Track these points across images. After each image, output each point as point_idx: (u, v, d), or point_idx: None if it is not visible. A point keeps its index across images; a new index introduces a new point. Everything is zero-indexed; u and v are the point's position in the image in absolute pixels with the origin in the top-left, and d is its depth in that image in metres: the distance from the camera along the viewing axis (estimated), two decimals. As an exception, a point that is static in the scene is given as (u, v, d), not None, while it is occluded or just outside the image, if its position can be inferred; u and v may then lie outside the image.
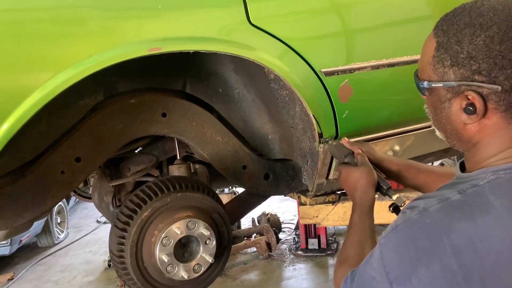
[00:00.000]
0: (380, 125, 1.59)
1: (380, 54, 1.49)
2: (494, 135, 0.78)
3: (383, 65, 1.49)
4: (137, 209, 1.44)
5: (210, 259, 1.46)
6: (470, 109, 0.76)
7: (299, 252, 4.26)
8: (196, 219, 1.45)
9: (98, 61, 1.12)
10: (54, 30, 1.10)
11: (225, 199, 2.60)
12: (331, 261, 4.12)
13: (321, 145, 1.47)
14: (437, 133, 0.91)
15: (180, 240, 1.44)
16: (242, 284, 3.87)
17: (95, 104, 1.52)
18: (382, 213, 1.82)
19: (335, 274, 1.03)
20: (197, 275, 1.46)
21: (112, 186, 1.94)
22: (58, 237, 5.22)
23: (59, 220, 5.35)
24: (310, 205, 1.75)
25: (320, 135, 1.47)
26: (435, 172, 1.24)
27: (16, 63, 1.08)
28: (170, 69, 1.62)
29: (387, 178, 1.20)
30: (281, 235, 4.54)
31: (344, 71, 1.43)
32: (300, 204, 1.81)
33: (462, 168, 0.87)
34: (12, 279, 4.30)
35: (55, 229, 5.13)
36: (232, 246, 1.67)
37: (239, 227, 4.53)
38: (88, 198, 2.52)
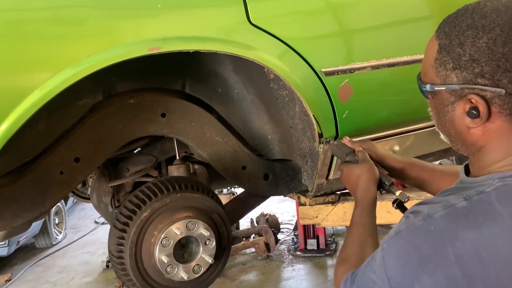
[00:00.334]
0: (380, 125, 1.59)
1: (380, 54, 1.48)
2: (499, 139, 0.76)
3: (383, 65, 1.49)
4: (136, 209, 1.43)
5: (210, 260, 1.45)
6: (473, 112, 0.75)
7: (298, 253, 4.25)
8: (196, 220, 1.45)
9: (97, 61, 1.12)
10: (53, 30, 1.10)
11: (223, 199, 2.59)
12: (330, 261, 4.12)
13: (321, 145, 1.46)
14: (442, 136, 0.90)
15: (179, 240, 1.44)
16: (241, 284, 3.87)
17: (94, 104, 1.51)
18: (382, 213, 1.82)
19: (335, 273, 1.02)
20: (197, 275, 1.45)
21: (111, 186, 1.94)
22: (56, 238, 5.20)
23: (57, 221, 5.33)
24: (309, 205, 1.75)
25: (320, 135, 1.46)
26: (438, 170, 1.23)
27: (14, 63, 1.07)
28: (169, 69, 1.62)
29: (389, 175, 1.20)
30: (279, 236, 4.54)
31: (344, 71, 1.43)
32: (300, 204, 1.81)
33: (467, 171, 0.87)
34: (10, 280, 4.29)
35: (53, 230, 5.12)
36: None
37: (237, 227, 4.52)
38: (87, 198, 2.51)
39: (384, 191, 1.21)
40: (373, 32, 1.50)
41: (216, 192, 1.75)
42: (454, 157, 3.98)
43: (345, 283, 0.90)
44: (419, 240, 0.74)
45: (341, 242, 4.36)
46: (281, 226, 4.68)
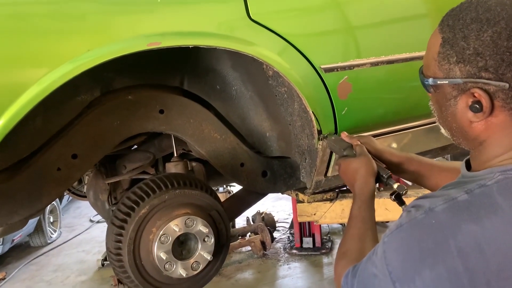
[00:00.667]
0: (379, 122, 1.59)
1: (379, 51, 1.48)
2: (501, 133, 0.77)
3: (382, 62, 1.49)
4: (134, 206, 1.42)
5: (208, 257, 1.44)
6: (476, 107, 0.75)
7: (294, 251, 4.25)
8: (195, 217, 1.44)
9: (96, 56, 1.11)
10: (51, 25, 1.09)
11: (220, 197, 2.59)
12: (326, 260, 4.12)
13: (320, 142, 1.46)
14: (442, 130, 0.90)
15: (178, 237, 1.43)
16: (237, 283, 3.86)
17: (92, 100, 1.50)
18: (380, 210, 1.82)
19: (336, 267, 1.02)
20: (195, 272, 1.44)
21: (108, 184, 1.92)
22: (51, 237, 5.17)
23: (51, 220, 5.30)
24: (308, 202, 1.74)
25: (319, 132, 1.46)
26: (436, 165, 1.23)
27: (11, 58, 1.06)
28: (167, 66, 1.61)
29: (387, 169, 1.20)
30: (275, 234, 4.54)
31: (343, 68, 1.43)
32: (298, 201, 1.81)
33: (468, 166, 0.87)
34: (4, 278, 4.26)
35: (48, 228, 5.09)
36: (227, 244, 1.66)
37: (233, 226, 4.51)
38: (83, 196, 2.49)
39: (382, 189, 1.21)
40: (372, 29, 1.51)
41: (212, 189, 1.74)
42: (449, 155, 4.00)
43: (346, 277, 0.90)
44: (420, 233, 0.74)
45: (337, 241, 4.38)
46: (277, 225, 4.68)
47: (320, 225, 4.21)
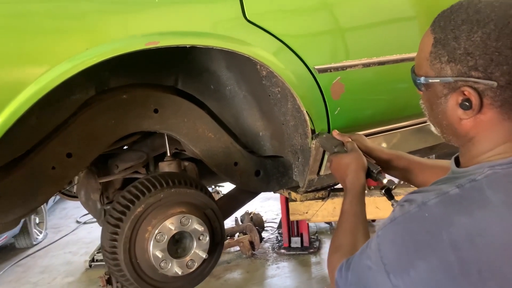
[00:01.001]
0: (370, 122, 1.62)
1: (370, 52, 1.52)
2: (489, 130, 0.80)
3: (373, 63, 1.52)
4: (130, 205, 1.43)
5: (203, 255, 1.46)
6: (466, 104, 0.79)
7: (282, 251, 4.28)
8: (190, 215, 1.45)
9: (94, 55, 1.11)
10: (50, 23, 1.09)
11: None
12: (314, 259, 4.16)
13: (314, 141, 1.49)
14: (432, 128, 0.93)
15: (173, 236, 1.44)
16: (226, 283, 3.87)
17: (87, 99, 1.50)
18: (370, 208, 1.86)
19: (329, 261, 1.05)
20: (190, 270, 1.46)
21: (100, 183, 1.92)
22: (37, 238, 5.11)
23: (37, 221, 5.23)
24: (300, 201, 1.77)
25: (313, 132, 1.49)
26: (424, 163, 1.27)
27: (10, 56, 1.06)
28: (162, 65, 1.62)
29: (377, 164, 1.23)
30: (264, 234, 4.56)
31: (336, 69, 1.45)
32: (290, 200, 1.83)
33: (457, 163, 0.90)
34: (-11, 281, 4.21)
35: (34, 229, 5.03)
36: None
37: (222, 226, 4.51)
38: (72, 196, 2.48)
39: (372, 188, 1.25)
40: (363, 31, 1.54)
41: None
42: (433, 155, 4.07)
43: (340, 270, 0.93)
44: (414, 226, 0.77)
45: (324, 240, 4.42)
46: (265, 225, 4.70)
47: (308, 225, 4.25)
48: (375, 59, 1.52)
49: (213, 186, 4.44)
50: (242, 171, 1.73)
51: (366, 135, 1.61)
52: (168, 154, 1.80)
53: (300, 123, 1.52)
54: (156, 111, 1.56)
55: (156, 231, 1.40)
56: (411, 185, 1.32)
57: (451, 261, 0.71)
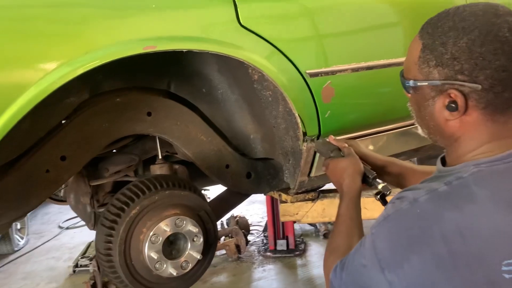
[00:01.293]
0: (359, 125, 1.67)
1: (359, 57, 1.57)
2: (474, 130, 0.84)
3: (362, 68, 1.57)
4: (124, 207, 1.44)
5: (198, 256, 1.48)
6: (452, 106, 0.83)
7: (268, 254, 4.30)
8: (184, 217, 1.47)
9: (93, 59, 1.13)
10: (51, 28, 1.11)
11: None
12: (300, 261, 4.19)
13: (305, 144, 1.53)
14: (419, 130, 0.98)
15: (168, 237, 1.46)
16: (213, 286, 3.87)
17: (81, 102, 1.51)
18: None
19: (325, 263, 1.08)
20: (185, 271, 1.48)
21: (90, 187, 1.92)
22: (18, 244, 5.01)
23: (19, 226, 5.13)
24: (291, 202, 1.80)
25: (304, 134, 1.53)
26: (416, 169, 1.32)
27: (10, 60, 1.07)
28: (155, 69, 1.64)
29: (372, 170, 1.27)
30: (249, 237, 4.57)
31: (327, 73, 1.50)
32: (281, 201, 1.86)
33: (443, 163, 0.95)
34: (-30, 288, 4.12)
35: (15, 235, 4.93)
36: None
37: (207, 230, 4.50)
38: (60, 200, 2.46)
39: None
40: (352, 36, 1.59)
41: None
42: (415, 158, 4.18)
43: (335, 271, 0.96)
44: (407, 222, 0.81)
45: (310, 242, 4.46)
46: (251, 228, 4.71)
47: (293, 228, 4.29)
48: (363, 64, 1.57)
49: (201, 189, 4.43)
50: (234, 173, 1.75)
51: (355, 138, 1.66)
52: (160, 157, 1.82)
53: (291, 126, 1.56)
54: (149, 114, 1.58)
55: (151, 233, 1.42)
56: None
57: (443, 254, 0.75)
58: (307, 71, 1.46)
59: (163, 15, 1.24)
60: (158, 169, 1.79)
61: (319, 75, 1.48)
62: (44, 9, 1.10)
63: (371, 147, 1.80)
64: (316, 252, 4.27)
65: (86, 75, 1.17)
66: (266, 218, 4.70)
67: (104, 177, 1.89)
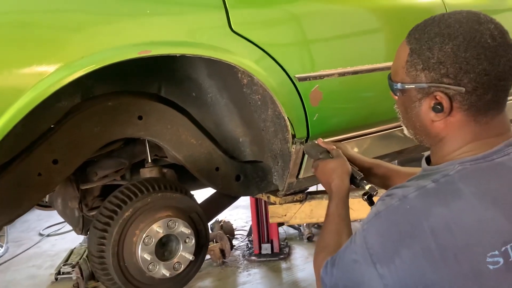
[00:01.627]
0: (346, 127, 1.72)
1: (345, 62, 1.62)
2: (458, 131, 0.89)
3: (348, 72, 1.63)
4: (117, 209, 1.46)
5: (190, 257, 1.50)
6: (438, 107, 0.88)
7: (253, 258, 4.31)
8: (176, 219, 1.49)
9: (90, 63, 1.15)
10: (48, 33, 1.12)
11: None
12: (284, 265, 4.22)
13: (294, 146, 1.57)
14: (406, 131, 1.02)
15: (160, 239, 1.48)
16: (198, 291, 3.87)
17: (72, 106, 1.53)
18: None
19: (315, 260, 1.11)
20: (177, 272, 1.50)
21: (78, 191, 1.92)
22: (-3, 252, 4.92)
23: (-3, 234, 5.05)
24: (279, 204, 1.84)
25: (293, 137, 1.57)
26: (401, 171, 1.37)
27: (7, 64, 1.08)
28: (146, 73, 1.66)
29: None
30: (234, 242, 4.58)
31: (315, 77, 1.55)
32: (269, 203, 1.90)
33: (428, 162, 0.99)
34: None
35: (-6, 243, 4.84)
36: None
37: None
38: (45, 206, 2.44)
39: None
40: (339, 42, 1.65)
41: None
42: (395, 161, 4.28)
43: (325, 267, 0.99)
44: (397, 218, 0.85)
45: (294, 246, 4.50)
46: (235, 233, 4.73)
47: (278, 231, 4.32)
48: (349, 69, 1.63)
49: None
50: (223, 176, 1.78)
51: (342, 140, 1.71)
52: (149, 161, 1.84)
53: (280, 129, 1.60)
54: (140, 118, 1.60)
55: (144, 235, 1.44)
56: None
57: (432, 247, 0.79)
58: (296, 75, 1.50)
59: (157, 21, 1.27)
60: (148, 173, 1.81)
61: (308, 79, 1.53)
62: (41, 14, 1.12)
63: (356, 150, 1.85)
64: (300, 255, 4.31)
65: (78, 79, 1.19)
66: (250, 223, 4.72)
67: (92, 181, 1.89)
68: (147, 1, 1.26)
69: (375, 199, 1.25)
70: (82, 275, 3.87)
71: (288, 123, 1.52)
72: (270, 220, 1.83)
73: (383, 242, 0.85)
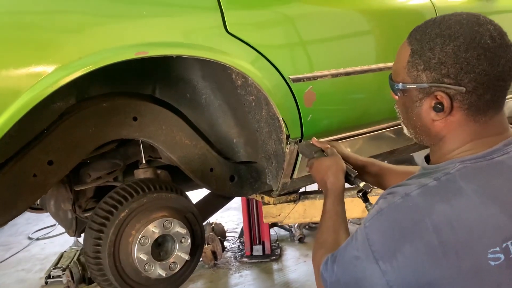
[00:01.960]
0: (339, 128, 1.74)
1: (338, 63, 1.64)
2: (458, 130, 0.91)
3: (341, 74, 1.65)
4: (113, 210, 1.46)
5: (186, 257, 1.51)
6: (438, 107, 0.90)
7: (245, 259, 4.32)
8: (172, 219, 1.50)
9: (87, 63, 1.16)
10: (46, 34, 1.13)
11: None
12: (276, 266, 4.24)
13: (288, 146, 1.59)
14: (405, 130, 1.04)
15: (156, 239, 1.48)
16: (190, 293, 3.87)
17: (67, 107, 1.53)
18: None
19: (314, 256, 1.13)
20: (173, 272, 1.50)
21: (72, 192, 1.92)
22: (-15, 257, 4.85)
23: (-15, 238, 4.98)
24: (273, 204, 1.86)
25: (288, 137, 1.59)
26: (394, 169, 1.39)
27: (5, 65, 1.08)
28: (140, 74, 1.67)
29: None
30: (225, 244, 4.59)
31: (308, 78, 1.57)
32: (263, 204, 1.91)
33: (427, 161, 1.01)
34: None
35: (-18, 248, 4.78)
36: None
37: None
38: (37, 209, 2.43)
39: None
40: (332, 43, 1.67)
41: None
42: (386, 161, 4.32)
43: (326, 264, 1.00)
44: (400, 215, 0.86)
45: (285, 247, 4.51)
46: (227, 234, 4.73)
47: (269, 233, 4.34)
48: (342, 70, 1.65)
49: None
50: (218, 177, 1.79)
51: (334, 141, 1.74)
52: (143, 162, 1.84)
53: (274, 130, 1.62)
54: (135, 119, 1.60)
55: (140, 235, 1.45)
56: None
57: (434, 244, 0.81)
58: (290, 76, 1.52)
59: (154, 22, 1.28)
60: (142, 174, 1.81)
61: (302, 80, 1.55)
62: (39, 15, 1.12)
63: (348, 150, 1.87)
64: (292, 256, 4.33)
65: (73, 80, 1.19)
66: (241, 225, 4.73)
67: (86, 182, 1.89)
68: (143, 3, 1.27)
69: (372, 199, 1.27)
70: (72, 278, 3.84)
71: (282, 123, 1.54)
72: (264, 220, 1.84)
73: (386, 239, 0.86)
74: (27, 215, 5.73)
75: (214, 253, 4.23)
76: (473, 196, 0.83)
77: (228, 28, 1.40)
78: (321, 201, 2.05)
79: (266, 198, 1.86)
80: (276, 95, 1.50)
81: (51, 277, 4.19)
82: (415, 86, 0.92)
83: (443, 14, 0.95)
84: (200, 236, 1.62)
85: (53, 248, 5.02)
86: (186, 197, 1.64)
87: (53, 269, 4.22)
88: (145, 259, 1.43)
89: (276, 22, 1.52)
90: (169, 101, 1.75)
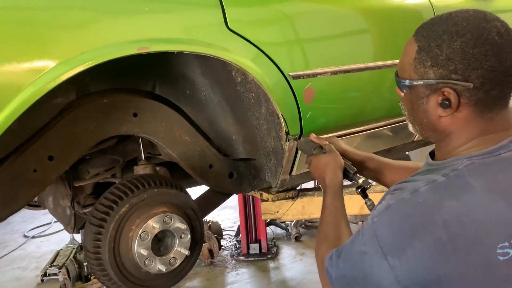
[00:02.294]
0: (337, 125, 1.76)
1: (338, 61, 1.66)
2: (465, 126, 0.92)
3: (340, 71, 1.66)
4: (113, 205, 1.46)
5: (185, 252, 1.52)
6: (446, 103, 0.90)
7: (241, 258, 4.34)
8: (172, 214, 1.51)
9: (89, 58, 1.16)
10: (49, 29, 1.13)
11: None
12: (272, 264, 4.25)
13: (287, 143, 1.60)
14: (410, 127, 1.04)
15: (156, 235, 1.49)
16: (186, 291, 3.88)
17: (67, 103, 1.53)
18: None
19: (317, 252, 1.14)
20: (173, 267, 1.51)
21: (70, 189, 1.92)
22: (-20, 255, 4.84)
23: (-19, 236, 4.96)
24: (272, 201, 1.87)
25: (287, 134, 1.60)
26: (393, 164, 1.40)
27: (7, 60, 1.08)
28: (140, 71, 1.67)
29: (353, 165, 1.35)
30: (222, 242, 4.60)
31: (308, 75, 1.58)
32: (262, 200, 1.92)
33: (432, 157, 1.02)
34: None
35: (-23, 246, 4.76)
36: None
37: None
38: (34, 206, 2.43)
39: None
40: (332, 41, 1.68)
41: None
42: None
43: (331, 259, 1.01)
44: (409, 210, 0.87)
45: (282, 246, 4.53)
46: (223, 233, 4.75)
47: (266, 231, 4.35)
48: (341, 68, 1.66)
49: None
50: (217, 173, 1.80)
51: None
52: (143, 158, 1.85)
53: (273, 127, 1.63)
54: (135, 115, 1.60)
55: (140, 230, 1.45)
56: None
57: (443, 239, 0.81)
58: (290, 73, 1.53)
59: (156, 18, 1.29)
60: (141, 170, 1.81)
61: (301, 77, 1.56)
62: (41, 11, 1.13)
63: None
64: (288, 255, 4.35)
65: (73, 76, 1.20)
66: (237, 223, 4.75)
67: (84, 179, 1.89)
68: (145, -1, 1.28)
69: (373, 198, 1.28)
70: (69, 276, 3.84)
71: (282, 120, 1.55)
72: (263, 217, 1.85)
73: (395, 234, 0.86)
74: (23, 213, 5.72)
75: (210, 251, 4.24)
76: (481, 192, 0.84)
77: (229, 25, 1.40)
78: (320, 198, 2.08)
79: (265, 195, 1.87)
80: (276, 92, 1.51)
81: (48, 275, 4.18)
82: (422, 83, 0.92)
83: (441, 13, 0.96)
84: (200, 232, 1.63)
85: (49, 246, 5.02)
86: (186, 193, 1.65)
87: (50, 267, 4.22)
88: (145, 254, 1.44)
89: (276, 20, 1.53)
90: (168, 98, 1.75)
